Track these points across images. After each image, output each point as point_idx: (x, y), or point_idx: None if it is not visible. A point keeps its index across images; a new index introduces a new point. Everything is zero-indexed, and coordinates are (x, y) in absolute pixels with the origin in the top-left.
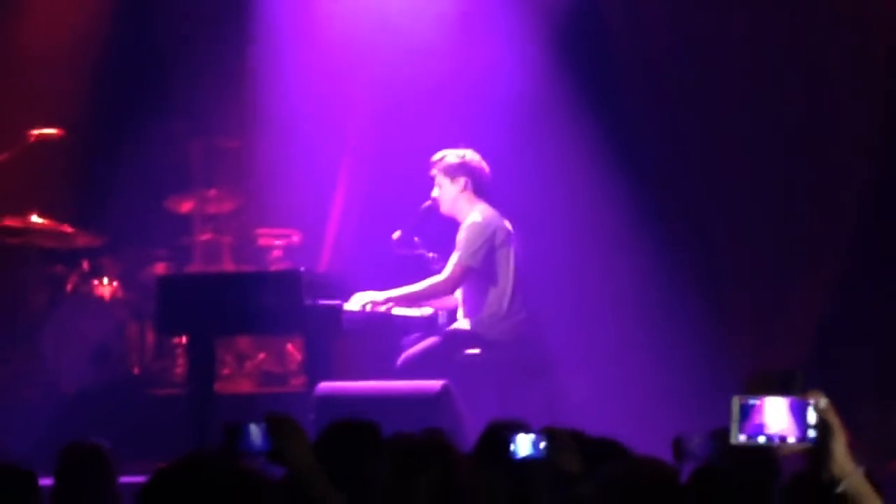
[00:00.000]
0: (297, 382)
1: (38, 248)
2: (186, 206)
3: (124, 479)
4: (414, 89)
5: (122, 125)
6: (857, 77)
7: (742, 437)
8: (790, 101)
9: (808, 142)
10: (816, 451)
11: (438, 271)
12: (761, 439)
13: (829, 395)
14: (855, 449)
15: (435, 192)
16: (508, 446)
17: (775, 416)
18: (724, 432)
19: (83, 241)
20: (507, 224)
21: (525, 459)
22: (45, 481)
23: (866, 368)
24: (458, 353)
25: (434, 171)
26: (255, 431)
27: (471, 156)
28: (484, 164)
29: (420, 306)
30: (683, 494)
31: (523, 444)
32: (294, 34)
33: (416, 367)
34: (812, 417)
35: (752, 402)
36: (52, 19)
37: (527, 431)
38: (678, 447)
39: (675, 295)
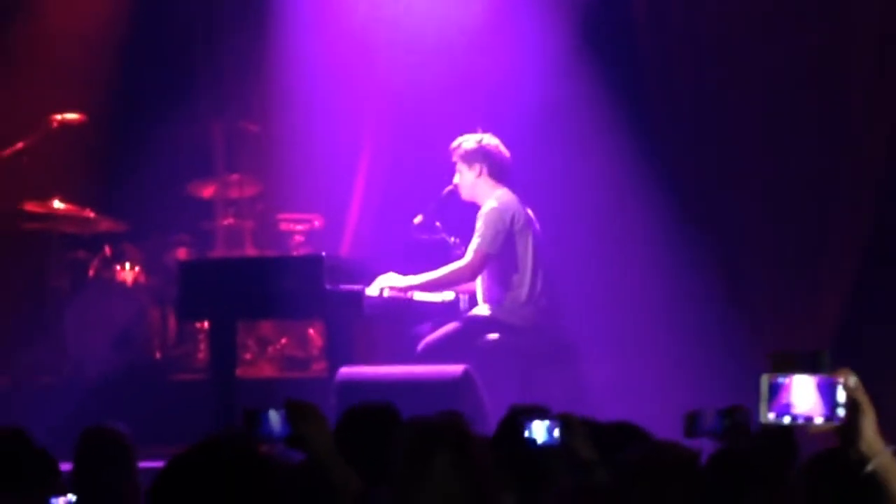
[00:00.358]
0: (319, 367)
1: (60, 233)
2: (208, 191)
3: (146, 464)
4: (435, 75)
5: (145, 110)
6: (877, 67)
7: (771, 416)
8: (812, 89)
9: (831, 128)
10: (845, 430)
11: (460, 256)
12: (787, 419)
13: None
14: (883, 428)
15: (456, 179)
16: (524, 432)
17: (803, 395)
18: (735, 410)
19: (105, 226)
20: (528, 210)
21: (541, 446)
22: (66, 466)
23: (893, 349)
24: (479, 339)
25: (454, 158)
26: (275, 417)
27: (488, 140)
28: (503, 148)
29: (441, 292)
30: (702, 477)
31: (539, 431)
32: (317, 19)
33: (437, 352)
34: (841, 396)
35: (780, 380)
36: (74, 4)
37: (543, 418)
38: (690, 423)
39: (699, 280)
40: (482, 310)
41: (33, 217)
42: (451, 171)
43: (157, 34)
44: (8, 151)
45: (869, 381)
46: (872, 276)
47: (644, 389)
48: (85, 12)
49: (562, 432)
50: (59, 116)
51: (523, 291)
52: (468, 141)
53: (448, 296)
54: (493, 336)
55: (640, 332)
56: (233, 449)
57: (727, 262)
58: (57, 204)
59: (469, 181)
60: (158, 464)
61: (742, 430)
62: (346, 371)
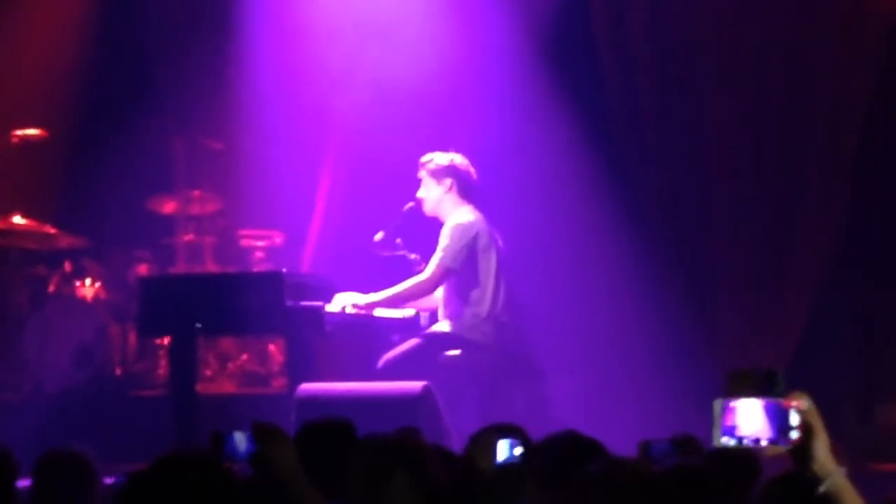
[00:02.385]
0: (279, 383)
1: (20, 248)
2: (169, 207)
3: (106, 480)
4: (397, 90)
5: (106, 126)
6: (842, 74)
7: (724, 440)
8: (777, 96)
9: (796, 139)
10: (799, 452)
11: (421, 273)
12: (731, 442)
13: (811, 394)
14: (837, 449)
15: (420, 193)
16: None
17: (749, 418)
18: (686, 439)
19: (66, 242)
20: (492, 228)
21: (502, 464)
22: (24, 482)
23: (849, 369)
24: (440, 355)
25: (421, 173)
26: (240, 438)
27: (459, 160)
28: (471, 169)
29: (401, 307)
30: (659, 494)
31: (501, 449)
32: (279, 38)
33: (397, 369)
34: (794, 419)
35: (730, 404)
36: (35, 20)
37: (509, 436)
38: (643, 452)
39: (662, 296)
40: (443, 326)
41: None
42: (412, 188)
43: (118, 50)
44: None
45: (827, 397)
46: (829, 297)
47: (606, 405)
48: (46, 28)
49: (522, 451)
50: (19, 132)
51: (484, 308)
52: (439, 157)
53: (408, 312)
54: (454, 352)
55: (603, 348)
56: (196, 465)
57: (691, 278)
58: (17, 219)
59: (435, 196)
60: (117, 480)
61: (695, 458)
62: (306, 387)
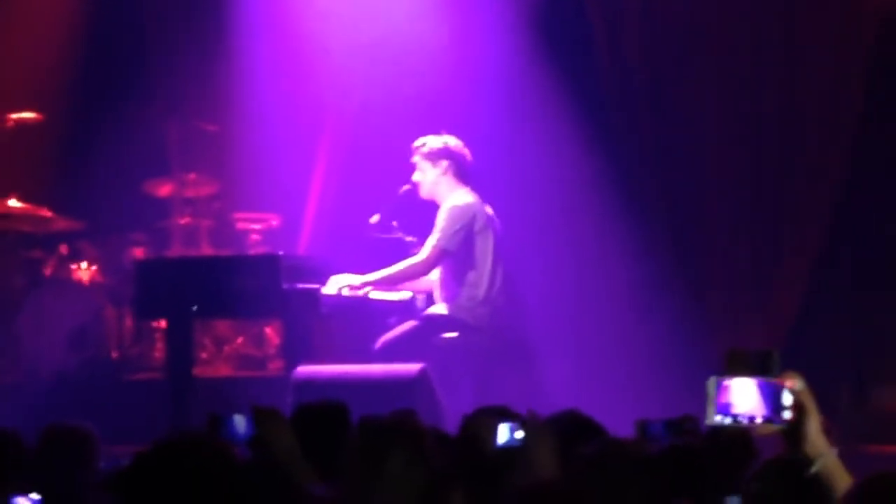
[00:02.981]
0: (276, 366)
1: (16, 232)
2: (165, 190)
3: (103, 464)
4: (392, 73)
5: (101, 109)
6: (836, 71)
7: (717, 418)
8: (771, 93)
9: (788, 130)
10: (790, 432)
11: (417, 254)
12: (727, 420)
13: (806, 377)
14: (831, 431)
15: (416, 177)
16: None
17: (744, 396)
18: (685, 420)
19: (61, 225)
20: (489, 209)
21: (501, 447)
22: None
23: (843, 352)
24: (436, 337)
25: (415, 157)
26: (240, 421)
27: (454, 142)
28: (466, 151)
29: (398, 289)
30: (654, 473)
31: (501, 432)
32: (273, 18)
33: (394, 351)
34: (787, 399)
35: (724, 382)
36: (30, 4)
37: (505, 419)
38: (640, 431)
39: (658, 280)
40: (439, 308)
41: None
42: (408, 170)
43: (112, 33)
44: None
45: (821, 380)
46: (824, 279)
47: (602, 388)
48: (41, 12)
49: (524, 435)
50: (14, 115)
51: (480, 290)
52: (433, 140)
53: (405, 294)
54: (450, 335)
55: (599, 332)
56: (199, 446)
57: (687, 264)
58: (13, 203)
59: (431, 179)
60: (114, 463)
61: (691, 438)
62: (302, 370)
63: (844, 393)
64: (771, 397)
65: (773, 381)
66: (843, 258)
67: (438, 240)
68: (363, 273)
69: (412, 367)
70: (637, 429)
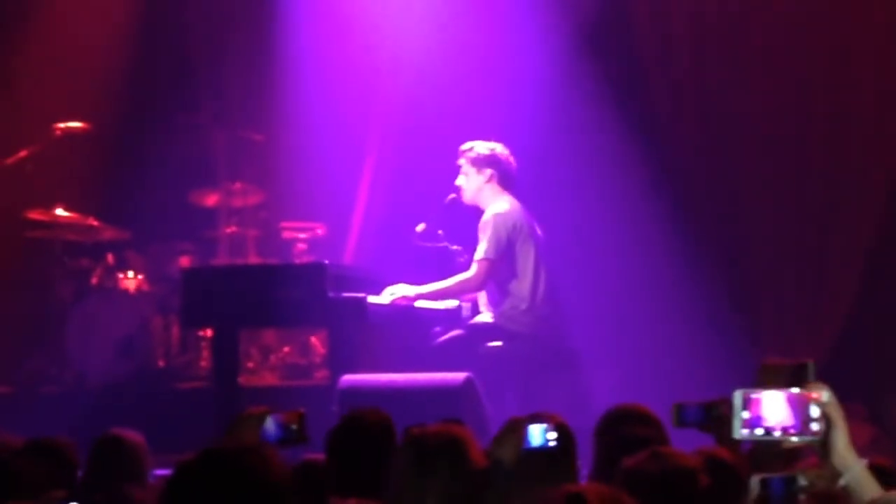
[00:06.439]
0: (321, 375)
1: (63, 241)
2: (212, 200)
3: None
4: (439, 84)
5: (148, 118)
6: (887, 71)
7: (745, 432)
8: (820, 89)
9: (838, 130)
10: (819, 445)
11: (462, 264)
12: (759, 432)
13: (853, 387)
14: (880, 440)
15: (459, 181)
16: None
17: (774, 409)
18: (721, 402)
19: (108, 234)
20: (531, 218)
21: (535, 449)
22: None
23: (893, 363)
24: (481, 346)
25: (461, 161)
26: (270, 423)
27: (500, 149)
28: (512, 159)
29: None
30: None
31: (535, 435)
32: (321, 29)
33: (440, 360)
34: (815, 411)
35: (752, 395)
36: (79, 15)
37: (539, 421)
38: (676, 413)
39: (701, 287)
40: (485, 317)
41: (37, 225)
42: (454, 180)
43: (160, 43)
44: (12, 160)
45: (867, 388)
46: (875, 284)
47: (646, 397)
48: (89, 22)
49: (557, 438)
50: (62, 125)
51: (524, 299)
52: (480, 146)
53: (451, 303)
54: (496, 344)
55: (644, 340)
56: (242, 453)
57: (731, 270)
58: (60, 212)
59: (475, 185)
60: (160, 472)
61: (726, 421)
62: (348, 379)
63: (894, 405)
64: (799, 409)
65: (801, 392)
66: (890, 268)
67: (486, 252)
68: (408, 282)
69: (458, 376)
70: (673, 412)
